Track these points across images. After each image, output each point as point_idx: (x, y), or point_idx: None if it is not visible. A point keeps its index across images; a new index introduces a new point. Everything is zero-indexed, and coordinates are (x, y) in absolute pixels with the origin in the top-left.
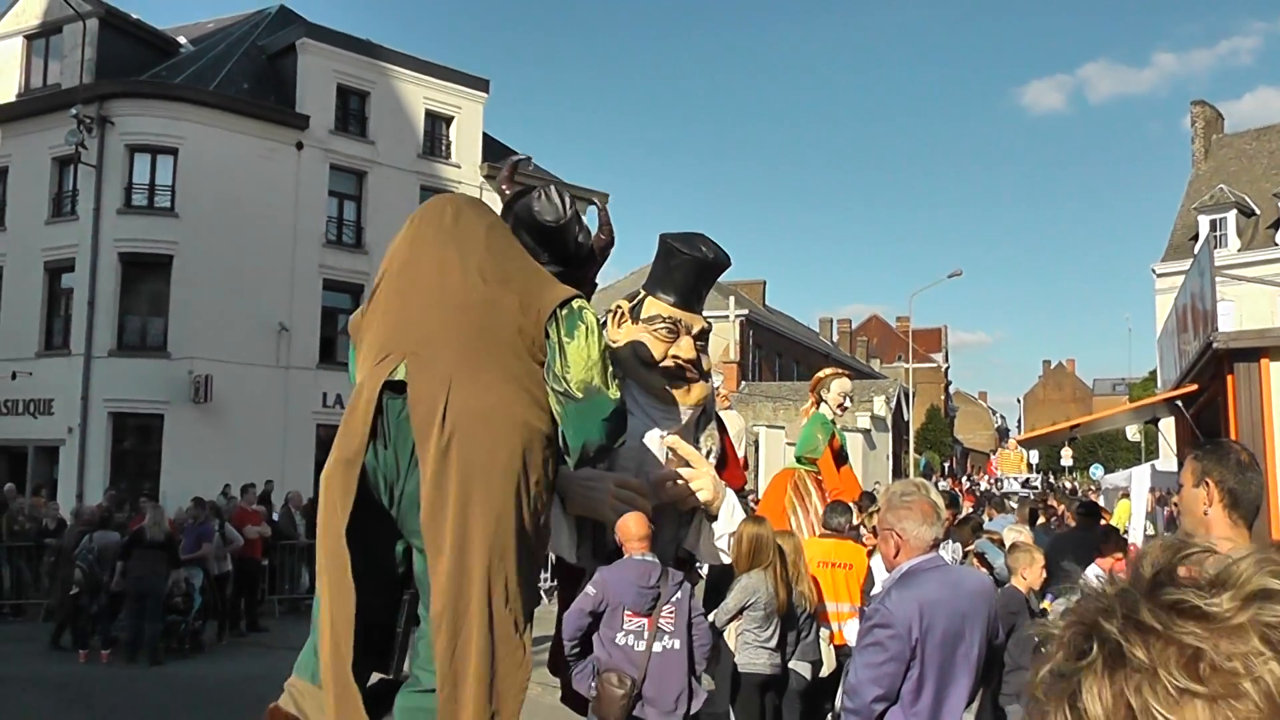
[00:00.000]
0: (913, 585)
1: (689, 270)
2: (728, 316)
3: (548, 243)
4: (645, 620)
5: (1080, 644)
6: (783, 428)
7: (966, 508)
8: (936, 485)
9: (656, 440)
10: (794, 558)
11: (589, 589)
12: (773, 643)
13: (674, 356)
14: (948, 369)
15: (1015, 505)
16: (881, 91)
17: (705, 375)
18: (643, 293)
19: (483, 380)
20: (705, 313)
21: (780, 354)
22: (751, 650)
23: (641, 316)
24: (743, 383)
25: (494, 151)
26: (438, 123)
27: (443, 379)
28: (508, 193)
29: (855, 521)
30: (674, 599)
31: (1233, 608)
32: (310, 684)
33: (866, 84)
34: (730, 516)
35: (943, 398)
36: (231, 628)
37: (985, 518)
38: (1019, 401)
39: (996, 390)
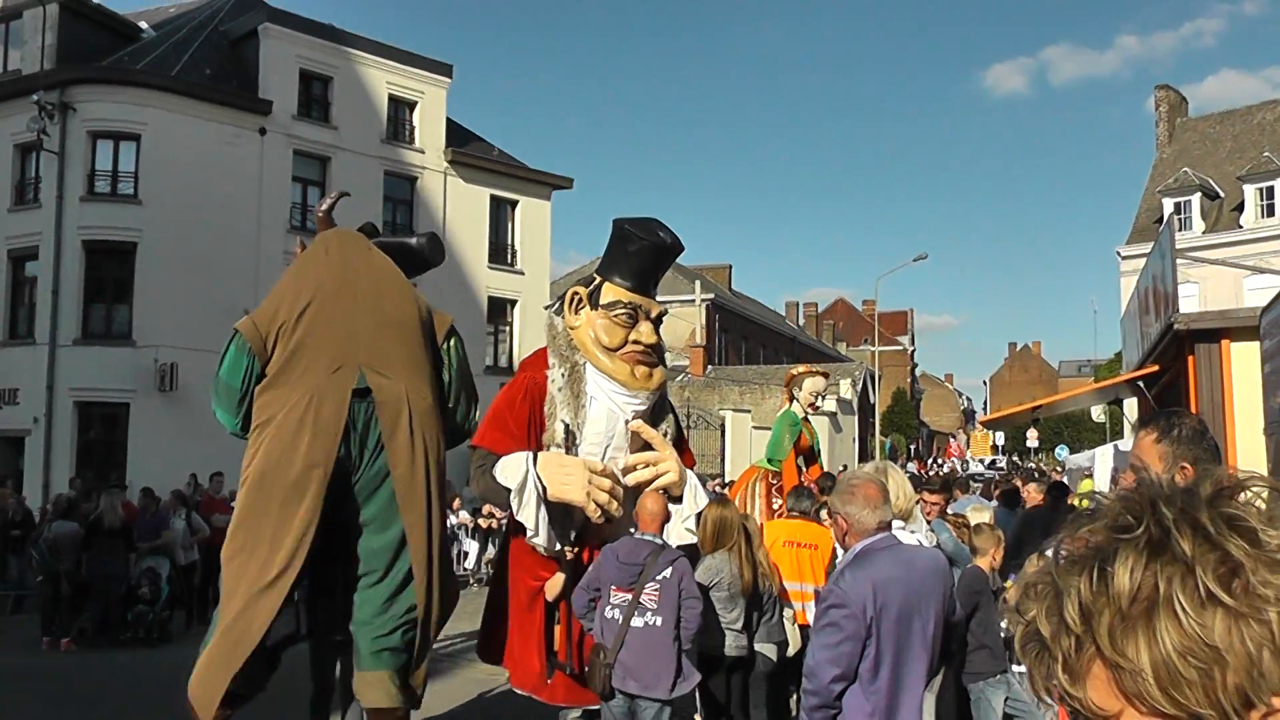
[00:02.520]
0: (866, 565)
1: (646, 255)
2: (694, 301)
3: (408, 266)
4: (628, 595)
5: (1125, 520)
6: (749, 411)
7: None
8: (904, 468)
9: (621, 426)
10: (756, 538)
11: (591, 568)
12: (738, 624)
13: (635, 342)
14: (914, 352)
15: (980, 487)
16: (845, 76)
17: (664, 359)
18: (598, 278)
19: (420, 384)
20: (671, 297)
21: (746, 338)
22: (716, 631)
23: (601, 302)
24: (709, 367)
25: (458, 136)
26: (401, 107)
27: (399, 385)
28: (321, 215)
29: (816, 505)
30: (660, 577)
31: None
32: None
33: (830, 68)
34: (694, 498)
35: (909, 380)
36: (199, 616)
37: (952, 499)
38: (985, 384)
39: (963, 373)
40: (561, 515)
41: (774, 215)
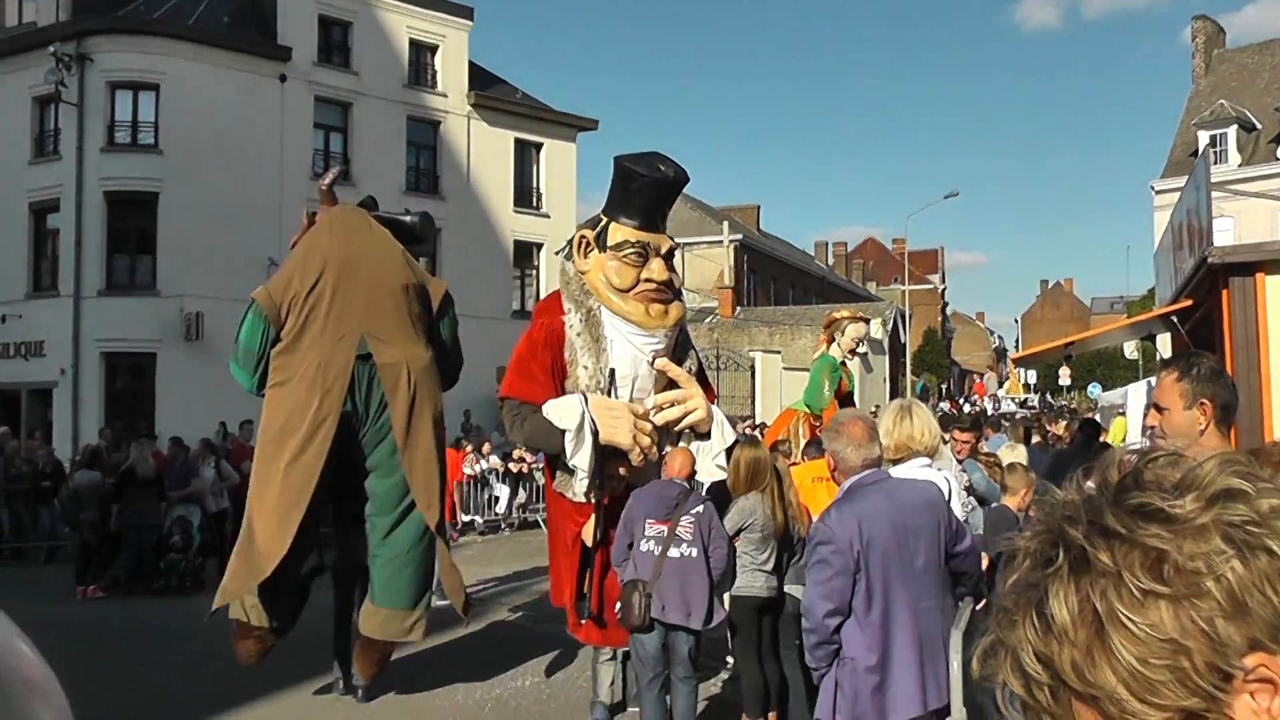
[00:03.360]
0: (852, 501)
1: (649, 191)
2: (721, 242)
3: (402, 239)
4: (664, 526)
5: (1046, 552)
6: (779, 352)
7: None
8: (935, 408)
9: (645, 367)
10: (788, 478)
11: (624, 511)
12: (769, 565)
13: (647, 280)
14: (945, 290)
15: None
16: (875, 10)
17: (679, 295)
18: (604, 219)
19: (417, 346)
20: (699, 238)
21: (775, 278)
22: (748, 573)
23: (608, 244)
24: (738, 308)
25: (481, 79)
26: (422, 51)
27: (399, 351)
28: (323, 190)
29: None
30: (693, 511)
31: (1196, 509)
32: (255, 596)
33: (858, 3)
34: (721, 434)
35: (940, 319)
36: None
37: (983, 437)
38: (1017, 322)
39: (994, 311)
40: (598, 459)
41: (802, 154)
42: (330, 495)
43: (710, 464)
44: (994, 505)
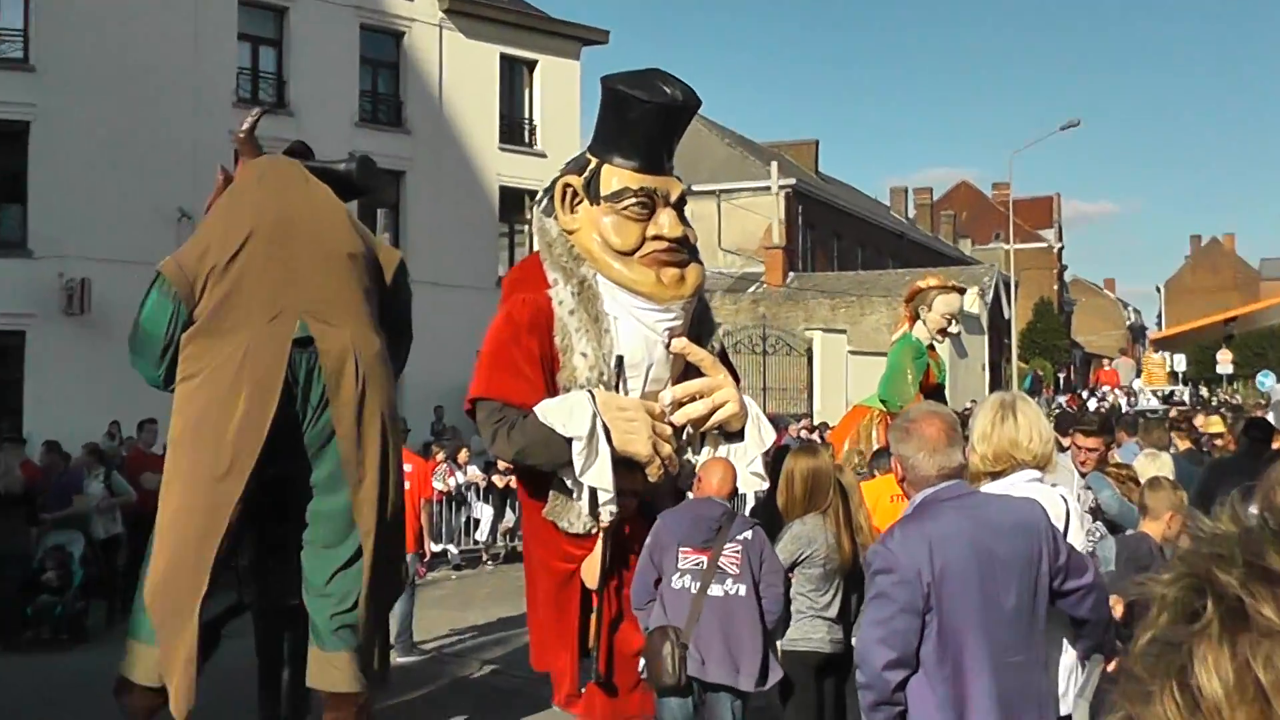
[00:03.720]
0: (924, 519)
1: (652, 121)
2: (769, 189)
3: (335, 187)
4: (703, 556)
5: (1191, 602)
6: (843, 331)
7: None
8: (1050, 403)
9: (660, 351)
10: (856, 496)
11: (649, 538)
12: (833, 610)
13: (656, 238)
14: (1062, 250)
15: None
16: None
17: (696, 254)
18: (592, 160)
19: (366, 328)
20: (739, 184)
21: (839, 235)
22: (806, 621)
23: (602, 193)
24: (790, 274)
25: None
26: None
27: (344, 332)
28: (242, 138)
29: None
30: (741, 537)
31: None
32: (148, 645)
33: None
34: (759, 433)
35: (1055, 288)
36: (125, 607)
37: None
38: (1159, 291)
39: (1128, 277)
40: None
41: (873, 75)
42: (254, 516)
43: (746, 472)
44: (1129, 533)
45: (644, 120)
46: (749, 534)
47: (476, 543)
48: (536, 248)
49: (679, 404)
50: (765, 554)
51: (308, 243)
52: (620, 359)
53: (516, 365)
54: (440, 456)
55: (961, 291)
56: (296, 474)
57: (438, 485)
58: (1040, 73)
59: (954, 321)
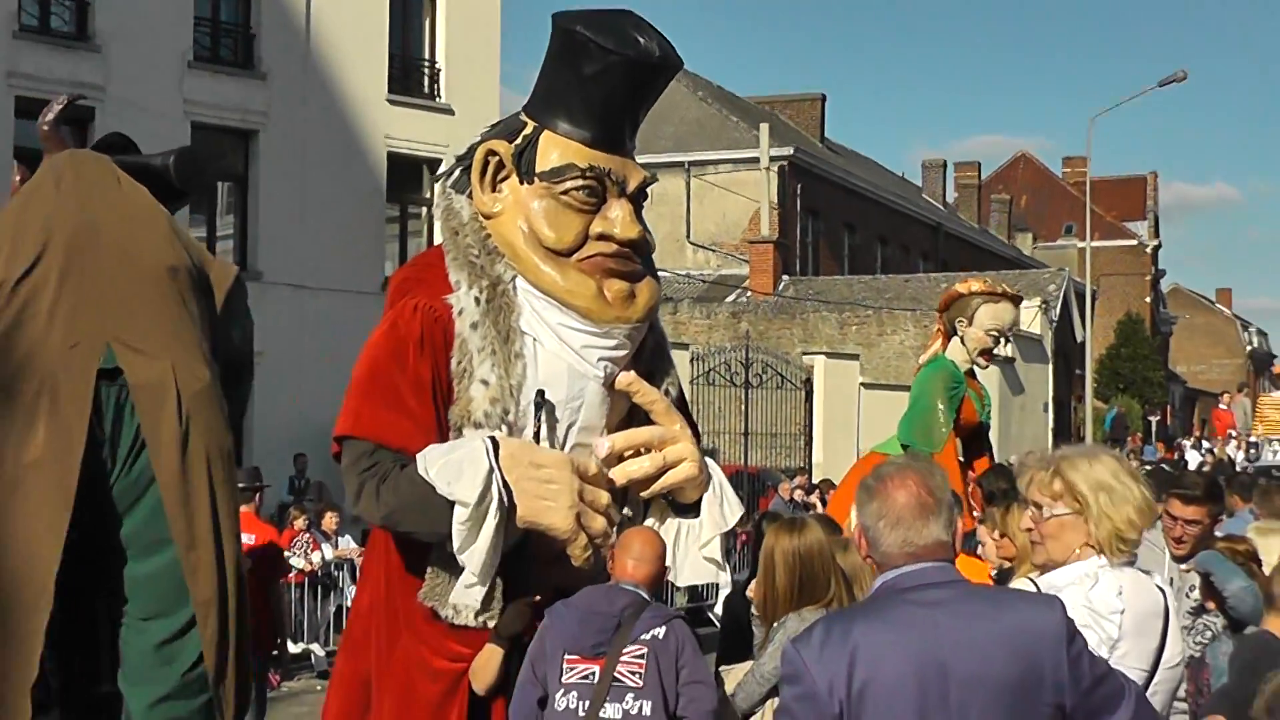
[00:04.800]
0: (857, 617)
1: (617, 80)
2: (758, 160)
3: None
4: (594, 666)
5: None
6: (856, 357)
7: None
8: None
9: (593, 388)
10: (867, 582)
11: (533, 641)
12: None
13: (603, 237)
14: (1158, 249)
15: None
16: None
17: (652, 266)
18: (529, 123)
19: (191, 356)
20: (716, 154)
21: (852, 226)
22: None
23: (539, 169)
24: (784, 278)
25: None
26: None
27: (162, 360)
28: (46, 130)
29: (964, 527)
30: (646, 637)
31: None
32: None
33: None
34: (719, 508)
35: (1149, 300)
36: None
37: (1225, 512)
38: None
39: (1250, 287)
40: (509, 550)
41: (897, 14)
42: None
43: (698, 557)
44: (1250, 631)
45: (606, 77)
46: (660, 630)
47: None
48: (439, 237)
49: (619, 457)
50: (685, 657)
51: (116, 256)
52: (541, 394)
53: (397, 394)
54: (300, 524)
55: (1016, 301)
56: (105, 536)
57: (297, 563)
58: (1132, 6)
59: (1003, 340)
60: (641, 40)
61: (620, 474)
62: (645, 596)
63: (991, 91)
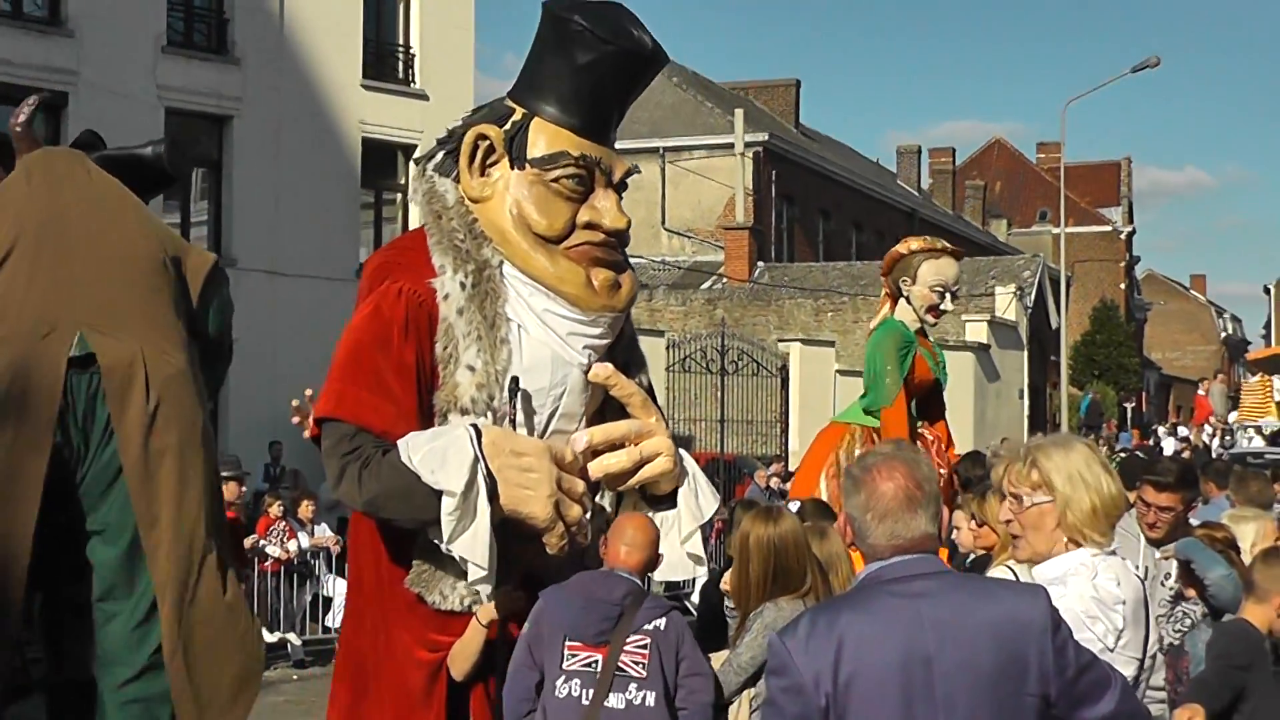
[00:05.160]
0: (843, 608)
1: (609, 70)
2: (732, 146)
3: (142, 185)
4: (597, 654)
5: None
6: (831, 344)
7: None
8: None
9: (575, 375)
10: (844, 570)
11: (526, 624)
12: None
13: (591, 226)
14: (1133, 235)
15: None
16: None
17: (628, 259)
18: (516, 109)
19: (163, 341)
20: (688, 140)
21: (827, 212)
22: None
23: (530, 155)
24: (759, 264)
25: None
26: None
27: (133, 347)
28: (18, 132)
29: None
30: (651, 626)
31: None
32: None
33: None
34: (695, 499)
35: (1123, 287)
36: None
37: (1199, 499)
38: (1268, 292)
39: (1225, 273)
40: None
41: (871, 2)
42: (36, 575)
43: (681, 552)
44: (1227, 620)
45: (599, 67)
46: (661, 622)
47: (327, 630)
48: (420, 219)
49: (596, 452)
50: (684, 649)
51: (85, 245)
52: (516, 382)
53: (380, 378)
54: (275, 511)
55: (958, 255)
56: (77, 523)
57: (273, 551)
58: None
59: (947, 296)
60: (634, 32)
61: (598, 468)
62: (640, 583)
63: (965, 77)
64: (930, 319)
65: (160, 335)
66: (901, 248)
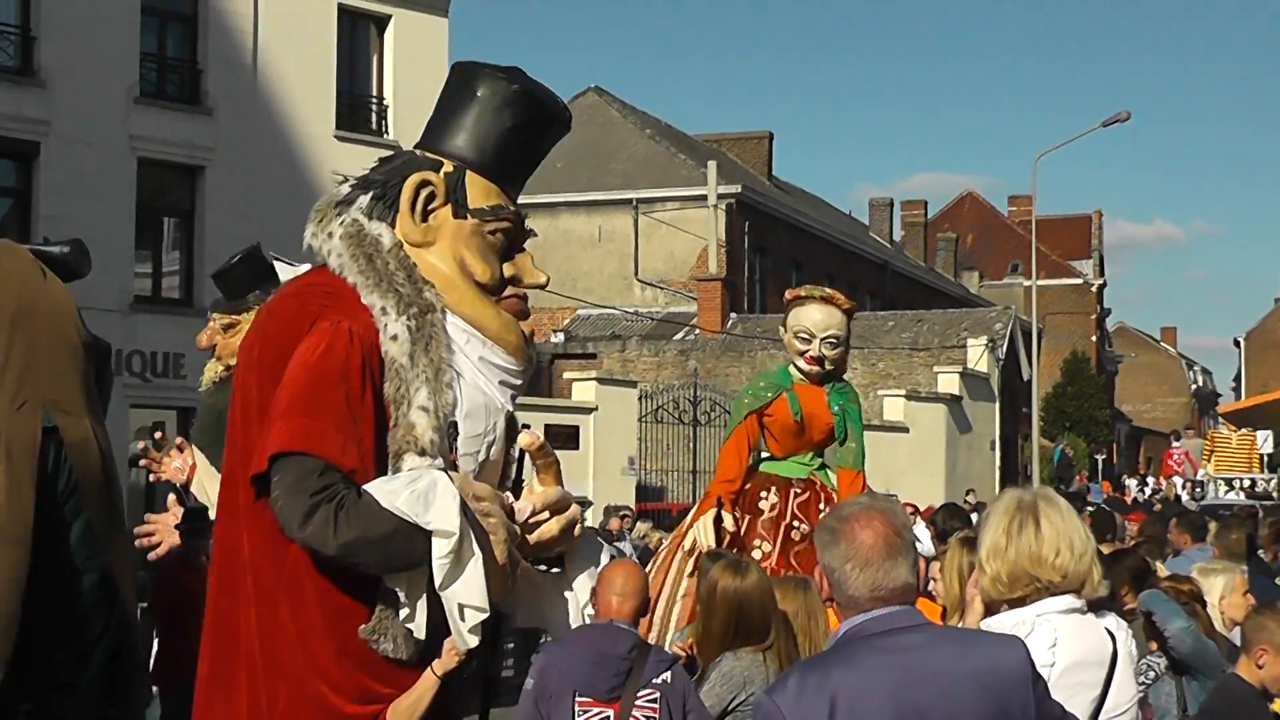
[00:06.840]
0: (832, 664)
1: (536, 133)
2: (705, 198)
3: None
4: (609, 710)
5: None
6: None
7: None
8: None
9: (502, 425)
10: (807, 623)
11: (526, 682)
12: None
13: (513, 280)
14: (1103, 288)
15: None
16: None
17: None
18: (446, 164)
19: (95, 418)
20: (665, 191)
21: (800, 264)
22: None
23: (472, 206)
24: (732, 315)
25: None
26: None
27: (85, 421)
28: None
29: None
30: (657, 681)
31: None
32: None
33: None
34: (589, 559)
35: (1094, 339)
36: None
37: (1169, 551)
38: (1238, 345)
39: (1195, 325)
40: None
41: (845, 47)
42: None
43: (578, 612)
44: (1229, 673)
45: (530, 130)
46: (668, 675)
47: None
48: (336, 259)
49: (532, 510)
50: (690, 702)
51: (48, 334)
52: (455, 428)
53: (343, 416)
54: None
55: (829, 302)
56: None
57: None
58: (1076, 48)
59: (815, 341)
60: (558, 99)
61: (536, 535)
62: (636, 634)
63: (937, 130)
64: (802, 364)
65: (93, 414)
66: (789, 294)
